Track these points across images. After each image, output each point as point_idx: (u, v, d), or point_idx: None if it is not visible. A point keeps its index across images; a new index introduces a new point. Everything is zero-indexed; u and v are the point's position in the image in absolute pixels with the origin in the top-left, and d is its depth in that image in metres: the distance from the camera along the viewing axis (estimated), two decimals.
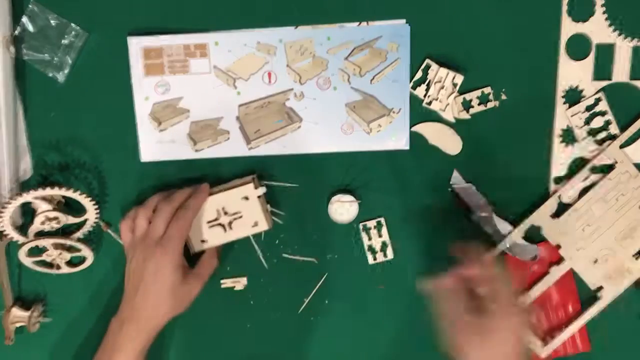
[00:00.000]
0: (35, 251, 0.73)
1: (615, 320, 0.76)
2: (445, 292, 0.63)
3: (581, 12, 0.70)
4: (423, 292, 0.65)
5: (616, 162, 0.71)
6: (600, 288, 0.73)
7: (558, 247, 0.73)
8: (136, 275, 0.67)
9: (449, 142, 0.72)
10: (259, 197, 0.71)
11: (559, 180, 0.73)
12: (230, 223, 0.72)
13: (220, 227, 0.72)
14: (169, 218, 0.67)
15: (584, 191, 0.72)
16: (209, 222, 0.71)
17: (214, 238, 0.72)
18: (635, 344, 0.77)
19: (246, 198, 0.71)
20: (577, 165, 0.73)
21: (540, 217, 0.73)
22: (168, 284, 0.66)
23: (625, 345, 0.77)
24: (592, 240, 0.72)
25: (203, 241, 0.71)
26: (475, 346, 0.60)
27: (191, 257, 0.71)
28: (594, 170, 0.72)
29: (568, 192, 0.72)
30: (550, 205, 0.72)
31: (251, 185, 0.70)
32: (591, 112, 0.71)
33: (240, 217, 0.71)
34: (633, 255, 0.73)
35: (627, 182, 0.71)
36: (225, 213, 0.71)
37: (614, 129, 0.72)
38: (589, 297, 0.74)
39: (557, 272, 0.73)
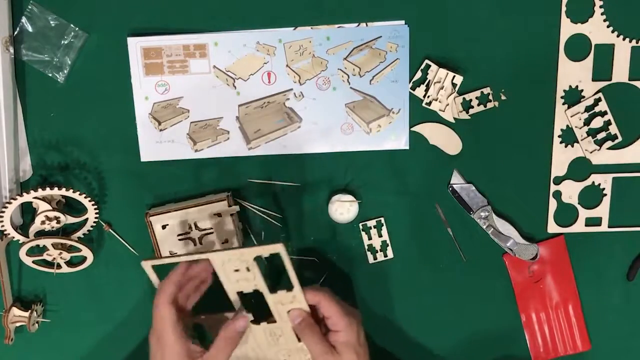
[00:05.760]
0: (36, 251, 0.73)
1: (615, 319, 0.77)
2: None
3: (580, 13, 0.69)
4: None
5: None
6: None
7: None
8: None
9: (449, 142, 0.72)
10: (231, 215, 0.71)
11: (558, 180, 0.73)
12: (200, 238, 0.72)
13: (190, 241, 0.72)
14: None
15: None
16: (180, 235, 0.72)
17: (182, 251, 0.72)
18: (635, 343, 0.77)
19: (219, 215, 0.71)
20: (577, 165, 0.73)
21: None
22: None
23: (626, 345, 0.77)
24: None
25: (171, 253, 0.72)
26: None
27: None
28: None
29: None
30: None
31: (225, 202, 0.70)
32: (591, 112, 0.71)
33: (212, 233, 0.72)
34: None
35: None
36: (197, 228, 0.71)
37: (613, 129, 0.72)
38: None
39: None
